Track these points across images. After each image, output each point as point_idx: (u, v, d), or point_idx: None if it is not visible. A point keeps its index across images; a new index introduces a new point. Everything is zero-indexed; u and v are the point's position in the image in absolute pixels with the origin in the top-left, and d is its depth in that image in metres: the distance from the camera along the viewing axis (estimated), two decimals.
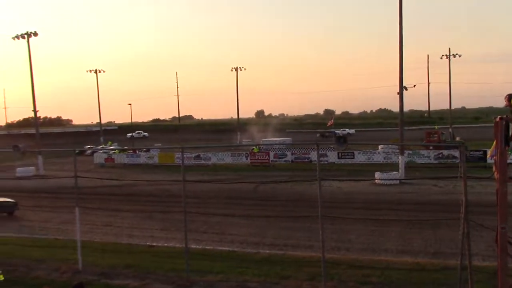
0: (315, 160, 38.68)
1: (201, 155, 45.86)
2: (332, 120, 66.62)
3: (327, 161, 40.02)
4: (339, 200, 22.37)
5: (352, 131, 79.87)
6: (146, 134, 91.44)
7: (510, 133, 8.52)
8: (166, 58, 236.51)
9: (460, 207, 9.59)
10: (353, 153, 41.71)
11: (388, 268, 11.78)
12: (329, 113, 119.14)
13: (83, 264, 12.61)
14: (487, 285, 10.10)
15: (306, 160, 42.32)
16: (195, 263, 12.24)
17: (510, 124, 8.81)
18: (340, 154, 41.78)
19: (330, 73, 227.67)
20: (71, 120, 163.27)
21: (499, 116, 8.55)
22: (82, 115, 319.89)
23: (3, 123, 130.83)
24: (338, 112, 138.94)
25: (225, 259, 13.13)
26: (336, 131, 67.74)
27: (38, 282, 11.50)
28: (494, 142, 8.89)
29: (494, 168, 9.04)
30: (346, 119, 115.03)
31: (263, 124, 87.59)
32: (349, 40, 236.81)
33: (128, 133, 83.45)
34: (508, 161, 8.58)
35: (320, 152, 15.49)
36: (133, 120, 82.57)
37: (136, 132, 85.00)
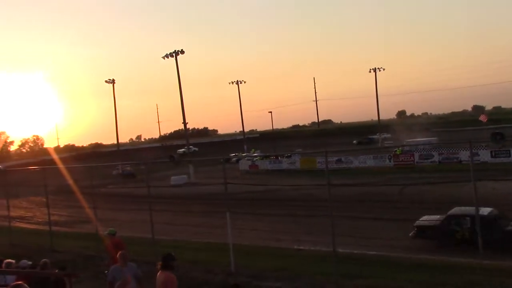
0: (465, 160, 36.24)
1: (343, 159, 45.47)
2: (485, 116, 61.69)
3: (479, 160, 37.21)
4: (495, 201, 20.64)
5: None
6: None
7: None
8: (303, 64, 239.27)
9: None
10: (509, 151, 38.27)
11: None
12: (478, 109, 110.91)
13: (235, 266, 13.18)
14: None
15: (455, 160, 39.76)
16: (343, 267, 12.12)
17: None
18: (493, 152, 38.62)
19: (476, 66, 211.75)
20: (216, 130, 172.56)
21: None
22: (226, 125, 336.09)
23: (157, 136, 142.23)
24: (488, 107, 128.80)
25: (374, 263, 12.81)
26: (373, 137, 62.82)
27: (194, 283, 12.23)
28: None
29: None
30: (499, 114, 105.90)
31: (406, 124, 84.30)
32: (496, 27, 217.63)
33: (270, 139, 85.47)
34: None
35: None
36: (274, 127, 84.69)
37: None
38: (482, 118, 60.71)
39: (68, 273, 10.24)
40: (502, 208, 19.28)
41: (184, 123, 52.04)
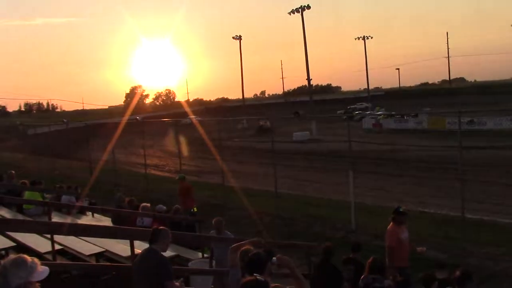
0: None
1: (475, 120, 42.57)
2: None
3: None
4: None
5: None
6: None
7: None
8: (435, 18, 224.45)
9: None
10: None
11: None
12: None
13: (356, 225, 13.18)
14: None
15: None
16: (471, 233, 11.58)
17: None
18: None
19: None
20: (340, 87, 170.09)
21: None
22: (350, 82, 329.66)
23: (280, 92, 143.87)
24: None
25: (507, 232, 12.04)
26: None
27: (316, 237, 12.45)
28: None
29: None
30: None
31: None
32: None
33: (395, 97, 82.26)
34: None
35: None
36: (400, 85, 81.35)
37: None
38: None
39: (198, 219, 11.01)
40: None
41: (308, 79, 51.86)
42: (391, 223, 8.33)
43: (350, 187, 13.57)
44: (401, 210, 8.42)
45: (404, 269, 7.93)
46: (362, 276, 6.76)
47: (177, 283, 5.50)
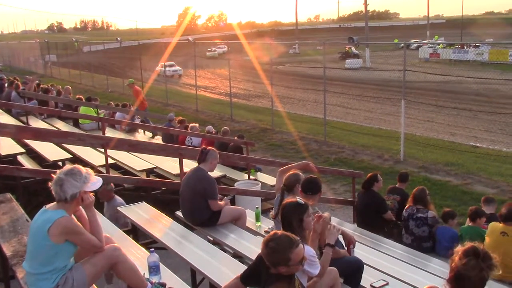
0: None
1: None
2: None
3: None
4: None
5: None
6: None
7: None
8: None
9: None
10: None
11: None
12: None
13: (404, 155, 13.04)
14: None
15: None
16: None
17: None
18: None
19: None
20: (398, 14, 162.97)
21: None
22: (409, 9, 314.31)
23: (335, 17, 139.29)
24: None
25: None
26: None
27: (363, 165, 12.43)
28: None
29: None
30: None
31: None
32: None
33: (457, 26, 78.30)
34: None
35: None
36: (464, 13, 77.08)
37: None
38: None
39: (246, 141, 11.16)
40: None
41: (365, 4, 49.69)
42: None
43: (402, 117, 13.30)
44: None
45: None
46: (406, 206, 6.77)
47: (221, 202, 5.68)
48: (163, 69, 27.85)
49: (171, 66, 40.07)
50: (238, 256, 5.01)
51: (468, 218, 6.42)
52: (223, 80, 32.02)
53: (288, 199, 3.73)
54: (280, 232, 3.04)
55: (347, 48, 52.80)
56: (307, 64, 40.94)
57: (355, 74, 38.51)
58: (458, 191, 10.59)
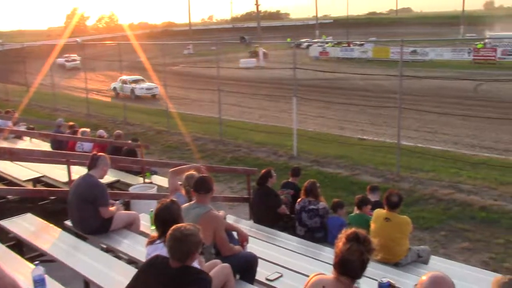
0: None
1: (418, 50, 43.44)
2: None
3: None
4: None
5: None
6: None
7: None
8: None
9: None
10: None
11: None
12: None
13: (297, 151, 13.49)
14: None
15: None
16: (406, 159, 12.13)
17: None
18: None
19: None
20: (288, 14, 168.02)
21: None
22: (299, 9, 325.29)
23: (228, 17, 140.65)
24: None
25: (438, 158, 12.70)
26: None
27: (258, 162, 12.67)
28: None
29: None
30: None
31: (493, 16, 78.20)
32: None
33: (343, 26, 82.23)
34: None
35: None
36: (349, 14, 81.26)
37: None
38: None
39: (140, 144, 10.91)
40: None
41: (257, 4, 50.73)
42: None
43: (294, 114, 13.75)
44: None
45: None
46: (299, 199, 7.01)
47: (113, 208, 5.52)
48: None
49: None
50: (133, 262, 4.90)
51: (355, 207, 6.78)
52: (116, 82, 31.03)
53: (164, 200, 3.81)
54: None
55: (255, 47, 54.01)
56: (202, 64, 40.94)
57: (250, 73, 39.19)
58: (347, 182, 11.17)
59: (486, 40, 43.32)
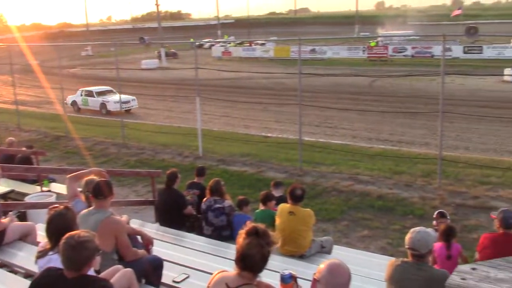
0: (438, 55, 36.28)
1: (317, 49, 45.04)
2: (460, 11, 60.62)
3: (450, 55, 37.38)
4: (462, 98, 21.17)
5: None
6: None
7: None
8: None
9: None
10: (481, 47, 38.47)
11: (511, 169, 11.17)
12: (457, 3, 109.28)
13: (203, 151, 13.46)
14: None
15: (428, 55, 39.90)
16: (308, 154, 12.53)
17: None
18: (466, 48, 38.82)
19: None
20: (190, 14, 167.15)
21: None
22: (201, 9, 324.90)
23: (128, 17, 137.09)
24: (468, 2, 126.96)
25: (338, 152, 13.25)
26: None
27: (164, 164, 12.48)
28: None
29: None
30: (477, 10, 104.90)
31: (384, 16, 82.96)
32: None
33: (245, 26, 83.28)
34: None
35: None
36: (249, 14, 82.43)
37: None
38: (456, 12, 59.55)
39: (36, 151, 10.31)
40: (469, 103, 19.88)
41: (157, 4, 49.95)
42: None
43: (198, 114, 13.70)
44: None
45: None
46: (205, 199, 6.99)
47: (4, 220, 5.18)
48: None
49: None
50: (30, 275, 4.62)
51: (260, 203, 6.88)
52: (7, 86, 29.12)
53: (56, 207, 3.66)
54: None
55: (167, 47, 53.18)
56: (102, 66, 39.54)
57: (154, 75, 38.55)
58: (253, 179, 11.33)
59: (379, 39, 45.90)
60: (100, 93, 23.95)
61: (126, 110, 21.69)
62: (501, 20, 77.76)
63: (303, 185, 10.23)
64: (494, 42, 38.76)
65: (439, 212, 6.35)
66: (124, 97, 21.51)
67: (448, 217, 6.41)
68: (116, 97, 22.12)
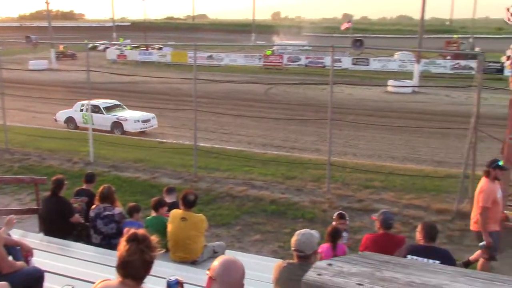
0: (329, 66, 38.03)
1: (214, 56, 45.29)
2: (349, 24, 64.10)
3: (340, 66, 39.43)
4: (350, 106, 22.36)
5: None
6: None
7: None
8: None
9: (470, 118, 9.58)
10: (368, 59, 41.00)
11: (392, 173, 11.98)
12: (347, 17, 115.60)
13: (94, 157, 12.96)
14: None
15: (320, 65, 41.70)
16: (204, 160, 12.54)
17: None
18: (354, 60, 41.12)
19: None
20: (83, 15, 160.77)
21: None
22: (95, 10, 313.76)
23: (15, 15, 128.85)
24: (357, 17, 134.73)
25: (233, 158, 13.40)
26: None
27: (51, 171, 11.84)
28: None
29: (510, 79, 8.90)
30: (365, 24, 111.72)
31: (279, 26, 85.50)
32: None
33: (141, 29, 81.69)
34: None
35: (334, 57, 14.96)
36: (146, 17, 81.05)
37: None
38: (346, 25, 62.93)
39: None
40: (357, 112, 21.01)
41: (47, 2, 47.35)
42: (485, 179, 6.92)
43: (89, 118, 13.17)
44: (500, 163, 6.96)
45: (497, 233, 6.94)
46: (93, 206, 6.73)
47: None
48: None
49: None
50: None
51: (152, 209, 6.76)
52: None
53: None
54: None
55: (61, 48, 50.43)
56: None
57: (42, 76, 36.55)
58: (147, 185, 11.12)
59: (274, 48, 47.18)
60: (109, 109, 19.20)
61: (142, 131, 18.53)
62: (386, 35, 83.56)
63: (198, 191, 10.25)
64: (379, 55, 41.50)
65: (339, 214, 6.65)
66: (144, 114, 19.04)
67: (347, 218, 6.74)
68: (134, 114, 19.07)
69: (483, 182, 6.92)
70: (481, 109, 9.79)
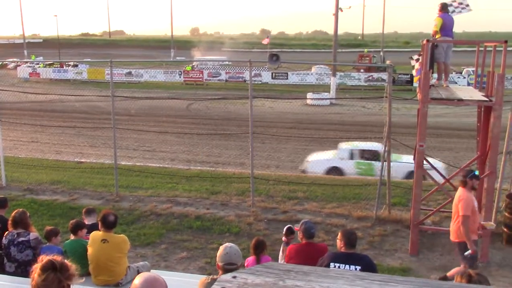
0: (249, 80, 38.50)
1: (133, 72, 44.47)
2: (268, 39, 65.38)
3: (260, 81, 40.09)
4: (272, 120, 22.71)
5: None
6: None
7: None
8: None
9: (384, 127, 10.05)
10: (287, 73, 42.00)
11: (314, 184, 12.26)
12: (265, 32, 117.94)
13: (7, 180, 12.26)
14: (402, 199, 10.87)
15: (240, 79, 42.15)
16: (125, 179, 12.24)
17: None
18: (274, 74, 41.94)
19: None
20: None
21: (426, 39, 8.81)
22: (3, 26, 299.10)
23: None
24: (274, 32, 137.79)
25: (156, 175, 13.15)
26: None
27: None
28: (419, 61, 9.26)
29: (418, 90, 9.45)
30: (282, 39, 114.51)
31: (198, 41, 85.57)
32: None
33: (55, 46, 78.82)
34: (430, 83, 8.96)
35: (254, 72, 15.08)
36: (59, 34, 78.28)
37: None
38: (265, 41, 64.18)
39: None
40: (278, 124, 21.35)
41: None
42: (462, 189, 6.99)
43: None
44: (477, 173, 7.22)
45: (475, 242, 7.04)
46: (6, 233, 6.35)
47: None
48: None
49: None
50: None
51: (70, 233, 6.48)
52: None
53: None
54: None
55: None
56: None
57: None
58: (66, 207, 10.64)
59: (194, 63, 47.13)
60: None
61: None
62: (302, 49, 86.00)
63: (120, 210, 9.98)
64: (297, 69, 42.64)
65: (288, 228, 6.59)
66: None
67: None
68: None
69: (460, 192, 6.99)
70: (394, 118, 10.33)
